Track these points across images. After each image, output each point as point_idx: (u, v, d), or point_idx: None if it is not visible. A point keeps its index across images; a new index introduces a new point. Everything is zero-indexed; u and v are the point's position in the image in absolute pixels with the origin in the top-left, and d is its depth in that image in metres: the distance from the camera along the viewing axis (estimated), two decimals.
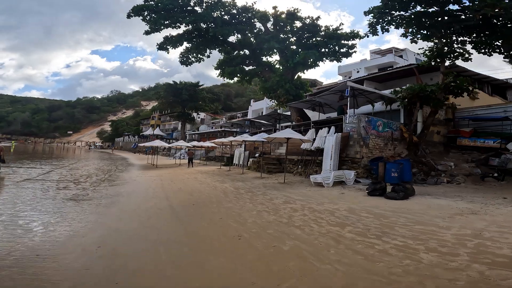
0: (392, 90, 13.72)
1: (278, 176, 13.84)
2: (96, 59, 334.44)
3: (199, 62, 20.78)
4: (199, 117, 62.95)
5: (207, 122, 63.49)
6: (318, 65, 18.21)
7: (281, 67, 18.67)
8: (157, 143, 21.44)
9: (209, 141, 26.08)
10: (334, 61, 18.39)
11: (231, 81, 23.19)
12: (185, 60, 20.60)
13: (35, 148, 56.66)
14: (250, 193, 9.03)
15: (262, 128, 24.67)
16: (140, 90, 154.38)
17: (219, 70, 21.22)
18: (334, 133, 12.09)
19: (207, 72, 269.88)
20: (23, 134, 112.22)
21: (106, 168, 19.54)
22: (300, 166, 13.85)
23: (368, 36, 15.38)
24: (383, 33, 15.46)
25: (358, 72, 33.55)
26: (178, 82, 52.50)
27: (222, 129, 37.60)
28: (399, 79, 16.29)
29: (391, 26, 13.80)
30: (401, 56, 33.62)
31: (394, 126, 12.86)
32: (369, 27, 15.04)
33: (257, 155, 19.35)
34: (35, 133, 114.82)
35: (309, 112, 18.76)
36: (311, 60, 17.28)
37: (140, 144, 27.78)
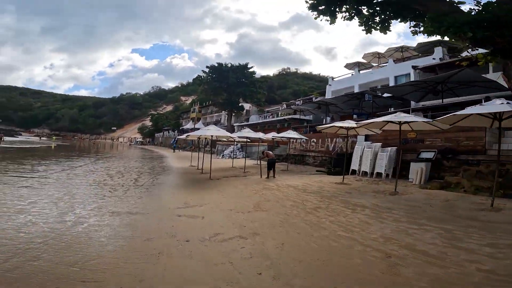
0: None
1: None
2: (136, 57, 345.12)
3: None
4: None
5: (253, 113, 53.96)
6: None
7: None
8: (212, 130, 11.55)
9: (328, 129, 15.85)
10: None
11: (331, 23, 12.07)
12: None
13: (78, 144, 52.20)
14: None
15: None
16: (180, 86, 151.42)
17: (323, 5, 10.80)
18: None
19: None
20: (71, 130, 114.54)
21: (113, 183, 10.32)
22: None
23: None
24: None
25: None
26: (224, 64, 43.52)
27: (293, 115, 27.22)
28: None
29: None
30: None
31: None
32: None
33: (428, 156, 8.71)
34: (81, 129, 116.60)
35: None
36: None
37: (181, 137, 18.50)
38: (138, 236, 4.17)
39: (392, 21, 11.14)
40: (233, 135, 13.79)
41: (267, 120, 34.44)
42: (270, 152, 12.04)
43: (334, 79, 27.02)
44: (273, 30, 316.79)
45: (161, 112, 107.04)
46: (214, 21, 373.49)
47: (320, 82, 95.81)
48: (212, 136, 11.87)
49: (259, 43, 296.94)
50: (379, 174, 10.22)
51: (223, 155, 27.80)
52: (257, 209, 6.26)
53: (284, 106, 35.37)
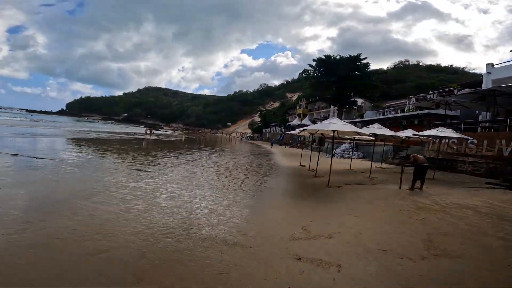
0: None
1: None
2: (244, 57, 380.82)
3: None
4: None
5: (367, 109, 47.35)
6: None
7: None
8: (336, 124, 8.90)
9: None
10: None
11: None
12: None
13: (201, 138, 59.98)
14: None
15: None
16: (285, 83, 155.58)
17: None
18: None
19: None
20: (197, 125, 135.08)
21: (219, 184, 9.41)
22: None
23: None
24: None
25: None
26: (332, 57, 39.60)
27: (430, 110, 21.40)
28: None
29: None
30: None
31: None
32: None
33: None
34: (205, 124, 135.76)
35: None
36: None
37: (293, 132, 16.77)
38: None
39: None
40: (362, 130, 10.90)
41: (388, 116, 28.87)
42: (420, 156, 8.57)
43: (495, 66, 19.42)
44: (381, 22, 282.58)
45: (268, 108, 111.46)
46: (313, 17, 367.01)
47: (453, 74, 77.82)
48: (334, 131, 9.43)
49: (365, 35, 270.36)
50: None
51: (333, 154, 24.83)
52: (436, 252, 3.61)
53: (413, 100, 28.74)
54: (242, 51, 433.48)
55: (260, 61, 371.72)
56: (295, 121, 58.27)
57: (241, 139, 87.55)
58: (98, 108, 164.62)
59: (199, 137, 58.88)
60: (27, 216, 4.21)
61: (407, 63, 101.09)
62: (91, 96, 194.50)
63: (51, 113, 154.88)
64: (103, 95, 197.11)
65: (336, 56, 39.58)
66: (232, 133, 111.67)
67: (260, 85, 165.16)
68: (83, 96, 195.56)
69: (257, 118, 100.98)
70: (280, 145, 47.33)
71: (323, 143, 32.23)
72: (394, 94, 67.49)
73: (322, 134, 12.61)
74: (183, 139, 42.77)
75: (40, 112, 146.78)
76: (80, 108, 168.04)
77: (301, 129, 11.62)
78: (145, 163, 11.38)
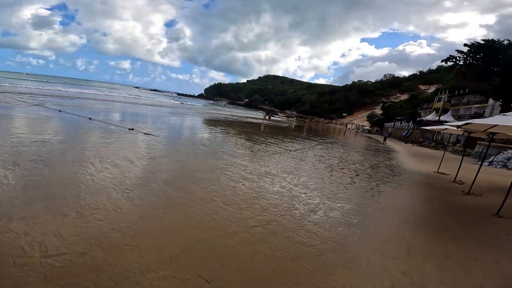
0: None
1: None
2: (365, 46, 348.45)
3: None
4: None
5: None
6: None
7: None
8: None
9: None
10: None
11: None
12: None
13: (308, 126, 58.32)
14: None
15: None
16: (417, 74, 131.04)
17: None
18: None
19: None
20: (310, 113, 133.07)
21: (311, 189, 7.10)
22: None
23: None
24: None
25: None
26: (496, 41, 29.67)
27: None
28: None
29: None
30: None
31: None
32: None
33: None
34: (318, 113, 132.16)
35: None
36: None
37: (434, 128, 12.57)
38: None
39: None
40: None
41: None
42: None
43: None
44: None
45: (394, 100, 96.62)
46: (458, 3, 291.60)
47: None
48: None
49: None
50: None
51: (491, 162, 17.72)
52: None
53: None
54: (362, 40, 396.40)
55: (384, 50, 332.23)
56: (430, 116, 48.05)
57: (356, 131, 79.72)
58: (226, 93, 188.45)
59: (306, 125, 56.62)
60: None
61: None
62: (222, 82, 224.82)
63: (193, 96, 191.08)
64: (231, 82, 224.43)
65: (503, 41, 29.47)
66: (347, 124, 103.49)
67: (385, 75, 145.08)
68: (216, 83, 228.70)
69: (378, 111, 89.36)
70: (406, 142, 39.47)
71: (473, 145, 24.10)
72: None
73: (492, 133, 8.16)
74: (292, 126, 41.99)
75: (186, 95, 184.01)
76: (214, 93, 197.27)
77: (463, 122, 7.61)
78: (238, 148, 10.51)
